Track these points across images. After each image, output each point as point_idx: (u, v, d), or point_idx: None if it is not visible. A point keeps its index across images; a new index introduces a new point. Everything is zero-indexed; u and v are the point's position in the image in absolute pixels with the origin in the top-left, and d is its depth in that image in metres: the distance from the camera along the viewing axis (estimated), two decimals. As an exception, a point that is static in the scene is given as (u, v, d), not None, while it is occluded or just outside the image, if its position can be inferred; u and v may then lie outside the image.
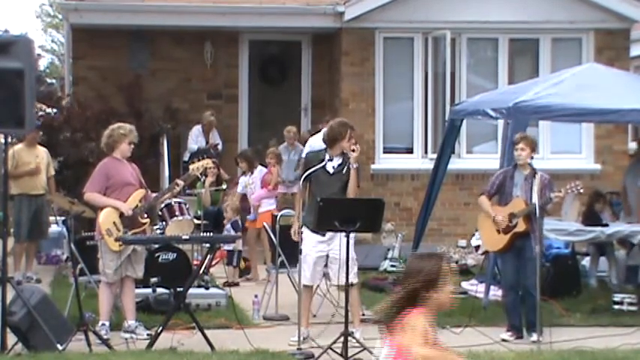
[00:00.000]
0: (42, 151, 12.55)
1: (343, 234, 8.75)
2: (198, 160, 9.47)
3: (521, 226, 9.18)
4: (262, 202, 12.63)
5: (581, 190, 9.52)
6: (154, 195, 9.38)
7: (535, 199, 9.05)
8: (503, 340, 9.05)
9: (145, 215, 9.24)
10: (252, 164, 13.07)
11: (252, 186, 12.83)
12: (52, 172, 12.77)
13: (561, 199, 9.27)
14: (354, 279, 8.94)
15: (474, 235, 13.93)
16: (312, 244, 8.96)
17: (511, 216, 9.25)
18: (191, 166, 9.45)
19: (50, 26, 39.52)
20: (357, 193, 9.13)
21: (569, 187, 9.16)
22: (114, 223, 8.95)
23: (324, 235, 8.90)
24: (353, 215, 8.25)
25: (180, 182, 9.36)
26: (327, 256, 9.01)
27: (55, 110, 15.20)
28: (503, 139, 10.67)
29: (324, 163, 8.98)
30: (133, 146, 9.24)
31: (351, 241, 8.86)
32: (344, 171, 9.01)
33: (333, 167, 9.03)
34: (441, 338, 4.45)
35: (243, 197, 12.98)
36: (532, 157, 9.42)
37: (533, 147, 9.41)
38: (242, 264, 12.66)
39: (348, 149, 8.99)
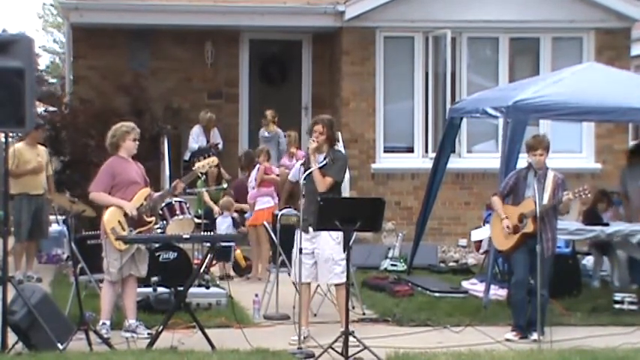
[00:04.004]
0: (43, 150, 12.54)
1: (327, 233, 8.81)
2: (204, 158, 9.42)
3: (529, 227, 9.13)
4: (257, 200, 12.65)
5: (589, 195, 9.50)
6: (157, 194, 9.37)
7: (545, 199, 9.03)
8: (507, 340, 9.01)
9: (150, 214, 9.24)
10: (247, 166, 13.20)
11: (250, 185, 12.88)
12: (51, 172, 12.76)
13: (569, 202, 9.23)
14: (337, 279, 8.98)
15: (473, 231, 13.92)
16: (298, 243, 8.99)
17: (521, 216, 9.23)
18: (197, 164, 9.40)
19: (52, 26, 39.52)
20: (327, 185, 8.89)
21: (577, 191, 9.10)
22: (119, 222, 8.95)
23: (307, 232, 8.90)
24: (353, 215, 8.25)
25: (181, 185, 9.33)
26: (313, 254, 9.01)
27: (54, 109, 15.19)
28: (504, 138, 10.66)
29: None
30: (137, 143, 9.25)
31: (334, 241, 8.91)
32: (325, 167, 8.94)
33: (317, 163, 8.95)
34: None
35: None
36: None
37: (549, 148, 9.40)
38: (242, 263, 12.68)
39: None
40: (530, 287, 9.30)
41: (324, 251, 8.93)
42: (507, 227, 9.28)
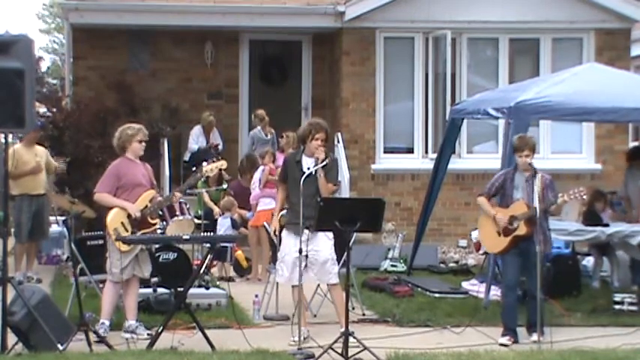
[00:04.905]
0: (41, 151, 12.53)
1: (323, 234, 8.83)
2: (213, 162, 9.40)
3: (522, 230, 9.04)
4: (260, 200, 12.65)
5: (585, 197, 9.47)
6: (158, 199, 9.36)
7: (536, 201, 8.98)
8: (502, 345, 8.98)
9: (155, 216, 9.24)
10: (249, 169, 13.19)
11: (253, 187, 12.87)
12: (52, 172, 12.74)
13: (563, 203, 9.20)
14: (334, 279, 9.03)
15: (473, 231, 13.90)
16: (291, 245, 8.97)
17: (512, 218, 9.14)
18: (206, 167, 9.38)
19: (51, 29, 39.51)
20: (331, 190, 9.02)
21: (572, 193, 9.04)
22: (122, 223, 8.96)
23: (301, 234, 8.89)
24: (353, 215, 8.24)
25: (178, 195, 9.41)
26: (307, 256, 8.99)
27: (54, 110, 15.19)
28: (505, 139, 10.65)
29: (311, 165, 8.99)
30: (144, 144, 9.25)
31: (330, 242, 8.96)
32: (318, 172, 8.92)
33: (308, 167, 8.95)
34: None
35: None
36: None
37: (535, 149, 9.34)
38: (244, 263, 12.67)
39: (313, 151, 8.94)
40: (523, 289, 9.29)
41: (322, 252, 8.94)
42: (502, 219, 9.11)
